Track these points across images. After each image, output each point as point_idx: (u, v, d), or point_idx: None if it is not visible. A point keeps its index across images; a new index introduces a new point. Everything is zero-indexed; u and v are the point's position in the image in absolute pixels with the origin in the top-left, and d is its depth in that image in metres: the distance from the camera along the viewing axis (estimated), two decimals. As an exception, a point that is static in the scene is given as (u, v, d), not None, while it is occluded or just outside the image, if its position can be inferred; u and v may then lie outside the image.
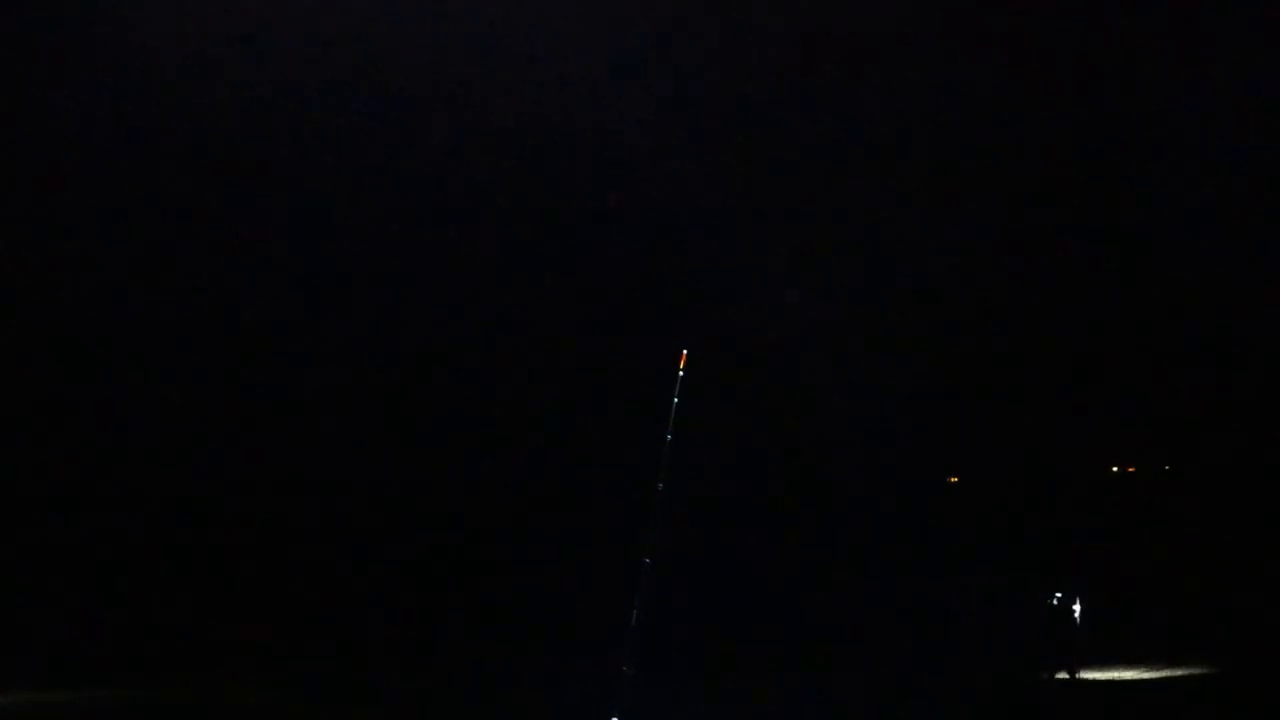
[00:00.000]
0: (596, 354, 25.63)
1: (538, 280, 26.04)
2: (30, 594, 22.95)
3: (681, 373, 14.86)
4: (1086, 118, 25.28)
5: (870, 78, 24.19)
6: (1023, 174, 25.54)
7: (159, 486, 24.74)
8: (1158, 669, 22.63)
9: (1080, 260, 25.92)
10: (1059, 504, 26.03)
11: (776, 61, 24.50)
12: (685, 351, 15.13)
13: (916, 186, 25.08)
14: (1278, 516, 24.91)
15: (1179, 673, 22.45)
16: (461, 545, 24.72)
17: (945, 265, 25.68)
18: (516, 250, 25.83)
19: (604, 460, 24.10)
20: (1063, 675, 21.23)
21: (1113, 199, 25.35)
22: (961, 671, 22.75)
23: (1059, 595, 20.24)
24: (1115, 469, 27.08)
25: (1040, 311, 26.26)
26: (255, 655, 23.00)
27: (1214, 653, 22.98)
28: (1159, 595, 24.39)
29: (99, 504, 24.38)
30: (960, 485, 26.80)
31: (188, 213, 24.85)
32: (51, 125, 23.90)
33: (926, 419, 25.48)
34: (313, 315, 25.39)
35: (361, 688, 21.83)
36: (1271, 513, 25.00)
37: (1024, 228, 25.74)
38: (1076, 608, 20.32)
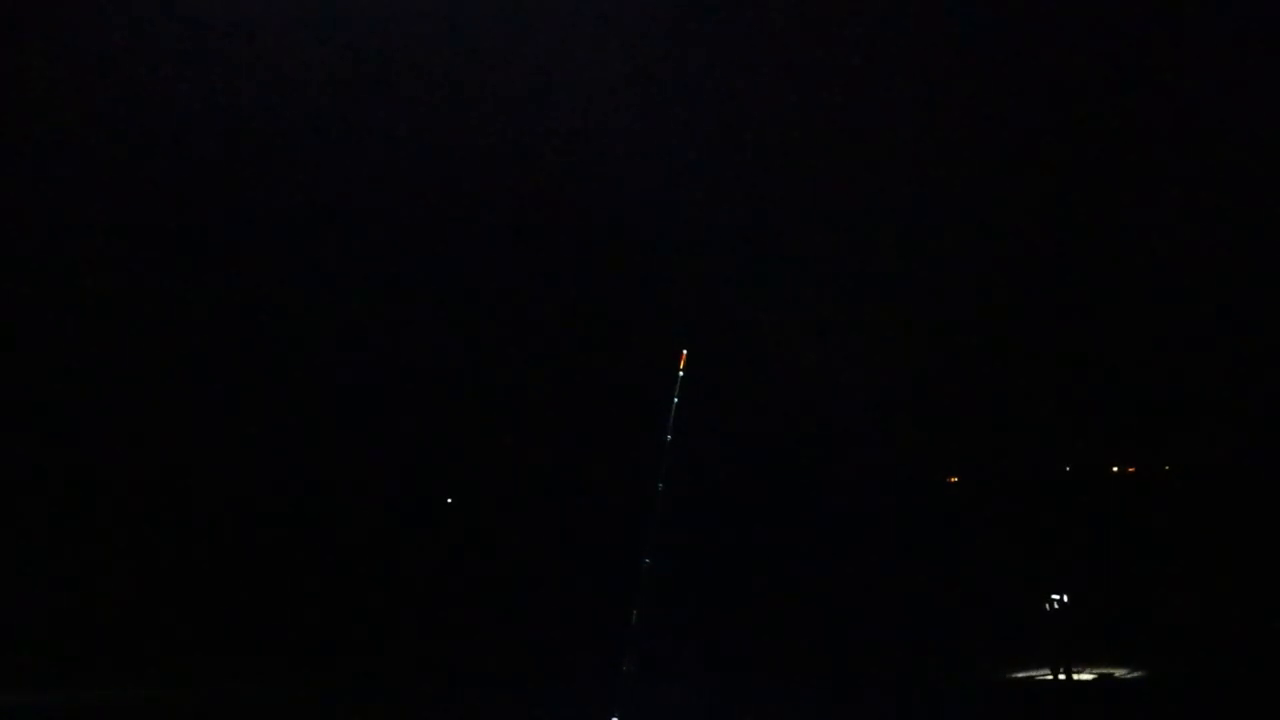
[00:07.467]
0: (597, 354, 25.60)
1: (537, 280, 26.01)
2: (30, 594, 22.96)
3: (681, 373, 14.87)
4: (1086, 115, 25.26)
5: (875, 76, 24.17)
6: (1024, 172, 25.52)
7: (159, 486, 24.74)
8: (1154, 668, 22.65)
9: (1081, 259, 25.89)
10: (1059, 504, 26.01)
11: (779, 60, 24.49)
12: (685, 352, 15.14)
13: (917, 185, 25.06)
14: (1277, 517, 24.91)
15: (1175, 672, 22.47)
16: (461, 545, 24.70)
17: (945, 264, 25.65)
18: (515, 250, 25.80)
19: (604, 460, 24.08)
20: (1060, 675, 21.25)
21: (1114, 197, 25.33)
22: (961, 671, 22.76)
23: (1057, 596, 20.26)
24: (1115, 469, 27.05)
25: (1041, 311, 26.24)
26: (254, 655, 23.01)
27: (1210, 652, 23.01)
28: (1157, 595, 24.42)
29: (98, 503, 24.38)
30: (960, 485, 26.78)
31: (189, 212, 24.81)
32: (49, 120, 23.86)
33: (926, 419, 25.46)
34: (312, 314, 25.36)
35: (361, 688, 21.84)
36: (1271, 513, 24.99)
37: (1025, 226, 25.72)
38: (1070, 606, 20.35)
